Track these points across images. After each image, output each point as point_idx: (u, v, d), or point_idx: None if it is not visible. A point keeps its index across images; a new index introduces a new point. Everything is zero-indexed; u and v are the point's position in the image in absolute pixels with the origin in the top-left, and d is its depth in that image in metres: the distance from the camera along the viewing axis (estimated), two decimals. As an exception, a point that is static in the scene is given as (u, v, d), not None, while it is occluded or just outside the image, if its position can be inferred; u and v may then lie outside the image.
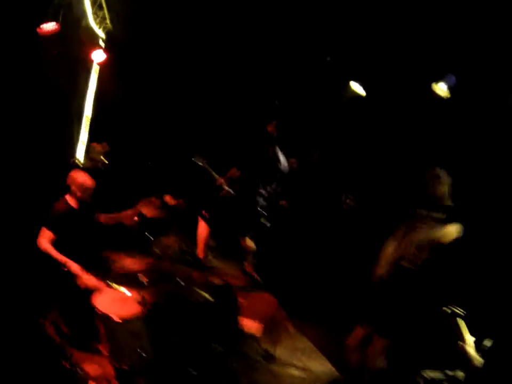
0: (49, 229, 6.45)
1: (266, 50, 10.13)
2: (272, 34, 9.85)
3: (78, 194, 6.64)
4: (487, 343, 5.00)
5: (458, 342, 5.15)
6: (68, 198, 6.70)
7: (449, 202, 5.93)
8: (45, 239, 6.42)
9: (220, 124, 10.12)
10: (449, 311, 5.29)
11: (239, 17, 9.57)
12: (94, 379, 5.93)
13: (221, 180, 8.50)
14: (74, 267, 6.34)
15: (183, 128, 10.49)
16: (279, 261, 8.91)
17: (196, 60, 10.11)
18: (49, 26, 6.82)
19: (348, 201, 9.09)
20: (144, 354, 5.63)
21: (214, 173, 8.54)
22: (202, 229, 8.51)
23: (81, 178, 6.70)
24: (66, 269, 6.34)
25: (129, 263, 6.90)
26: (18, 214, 7.49)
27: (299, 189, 9.77)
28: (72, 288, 6.38)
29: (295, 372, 6.67)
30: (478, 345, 5.09)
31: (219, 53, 10.10)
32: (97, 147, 9.36)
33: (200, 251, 8.61)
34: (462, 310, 5.26)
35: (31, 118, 7.85)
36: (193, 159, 8.43)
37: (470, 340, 5.11)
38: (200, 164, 8.44)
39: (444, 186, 5.96)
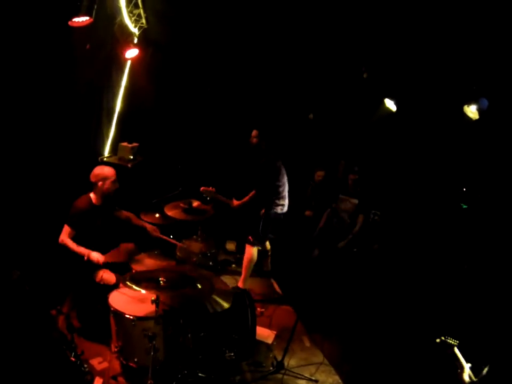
0: (69, 224, 6.60)
1: (304, 64, 10.15)
2: (310, 48, 9.86)
3: (104, 187, 6.74)
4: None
5: (458, 370, 5.16)
6: (92, 195, 6.82)
7: None
8: (65, 234, 6.58)
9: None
10: (447, 341, 5.31)
11: (278, 26, 9.59)
12: (99, 373, 6.03)
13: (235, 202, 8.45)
14: (94, 255, 6.48)
15: (213, 131, 10.53)
16: (302, 274, 8.89)
17: (230, 62, 10.15)
18: (81, 20, 6.86)
19: (375, 217, 9.06)
20: (155, 355, 5.66)
21: (224, 199, 8.51)
22: (249, 255, 8.40)
23: (105, 170, 6.82)
24: (86, 259, 6.46)
25: (151, 264, 6.97)
26: (44, 209, 7.59)
27: (323, 201, 9.77)
28: (88, 283, 6.50)
29: (304, 383, 6.65)
30: (477, 372, 5.11)
31: (255, 58, 10.11)
32: (127, 146, 9.51)
33: (242, 280, 8.49)
34: (455, 340, 5.27)
35: (61, 113, 7.92)
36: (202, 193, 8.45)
37: (466, 367, 5.13)
38: (208, 197, 8.46)
39: None
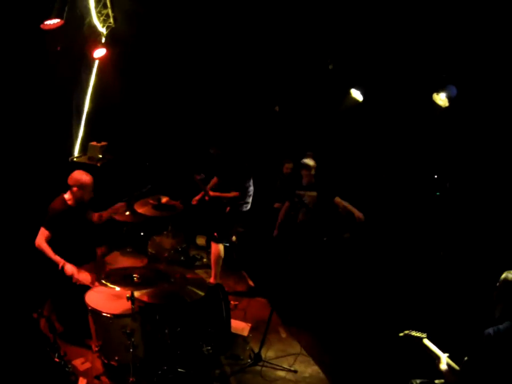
0: (46, 227, 6.51)
1: (268, 57, 10.16)
2: (274, 40, 9.88)
3: (79, 193, 6.68)
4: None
5: (435, 361, 5.17)
6: (67, 196, 6.73)
7: None
8: (41, 238, 6.48)
9: (217, 126, 10.11)
10: (411, 335, 5.32)
11: (241, 20, 9.60)
12: (82, 374, 6.00)
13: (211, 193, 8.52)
14: (68, 268, 6.39)
15: (182, 128, 10.51)
16: (275, 266, 8.90)
17: (196, 60, 10.13)
18: (53, 22, 6.81)
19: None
20: (134, 352, 5.65)
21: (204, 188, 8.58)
22: (216, 251, 8.44)
23: (84, 177, 6.73)
24: (60, 267, 6.37)
25: (124, 261, 6.95)
26: (15, 211, 7.50)
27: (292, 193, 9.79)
28: (65, 284, 6.42)
29: (283, 374, 6.67)
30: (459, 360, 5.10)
31: (219, 55, 10.12)
32: (96, 145, 9.43)
33: (213, 276, 8.54)
34: (421, 333, 5.28)
35: (32, 114, 7.85)
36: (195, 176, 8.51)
37: (443, 357, 5.11)
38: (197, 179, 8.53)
39: None
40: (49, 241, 6.51)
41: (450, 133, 8.19)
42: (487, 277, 5.57)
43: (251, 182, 8.46)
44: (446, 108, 7.85)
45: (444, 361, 5.05)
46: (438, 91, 7.83)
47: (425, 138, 8.62)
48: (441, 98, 7.85)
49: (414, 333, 5.24)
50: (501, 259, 6.68)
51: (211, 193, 8.52)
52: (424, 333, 5.22)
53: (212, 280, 8.45)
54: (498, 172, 7.74)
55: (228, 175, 8.54)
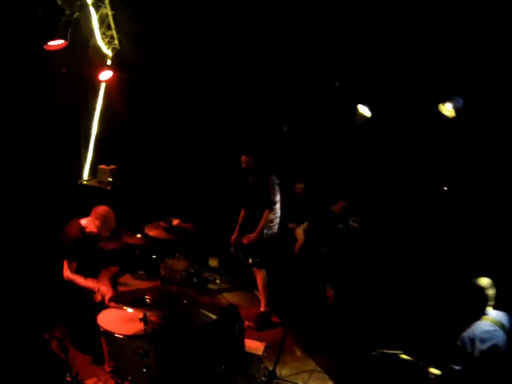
0: (68, 258, 6.59)
1: (275, 76, 10.22)
2: (280, 60, 9.94)
3: (97, 228, 6.77)
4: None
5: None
6: (84, 223, 6.81)
7: None
8: (67, 269, 6.58)
9: (226, 147, 10.15)
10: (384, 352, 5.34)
11: (248, 41, 9.67)
12: (95, 394, 6.02)
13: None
14: (104, 289, 6.48)
15: (191, 150, 10.57)
16: (289, 286, 8.91)
17: (203, 82, 10.20)
18: (57, 43, 6.91)
19: (355, 224, 9.07)
20: (148, 372, 5.66)
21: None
22: (262, 277, 8.42)
23: (110, 217, 6.87)
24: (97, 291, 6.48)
25: (136, 284, 6.98)
26: (28, 234, 7.56)
27: (305, 212, 9.79)
28: (78, 305, 6.47)
29: (297, 391, 6.68)
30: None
31: (226, 76, 10.18)
32: (106, 169, 9.50)
33: (264, 303, 8.49)
34: (395, 350, 5.30)
35: (39, 137, 7.93)
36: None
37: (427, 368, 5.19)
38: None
39: None
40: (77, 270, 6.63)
41: (458, 143, 8.19)
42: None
43: (279, 199, 8.50)
44: (453, 118, 7.88)
45: (430, 370, 5.17)
46: (444, 102, 7.86)
47: (433, 150, 8.61)
48: (447, 109, 7.87)
49: (388, 351, 5.40)
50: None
51: (253, 235, 8.39)
52: (400, 350, 5.31)
53: (262, 308, 8.45)
54: (505, 181, 7.74)
55: (256, 195, 8.48)
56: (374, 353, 5.40)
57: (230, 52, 9.88)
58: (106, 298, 6.36)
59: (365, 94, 9.27)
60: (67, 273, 6.56)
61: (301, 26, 9.26)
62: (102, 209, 6.86)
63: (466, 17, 7.44)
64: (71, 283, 6.55)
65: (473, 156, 8.04)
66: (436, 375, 5.16)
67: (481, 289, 5.19)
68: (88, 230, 6.78)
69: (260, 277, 8.39)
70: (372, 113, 9.19)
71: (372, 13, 8.49)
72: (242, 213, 8.88)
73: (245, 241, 8.35)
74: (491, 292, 5.19)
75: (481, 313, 5.16)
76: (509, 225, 7.46)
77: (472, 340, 5.05)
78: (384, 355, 5.34)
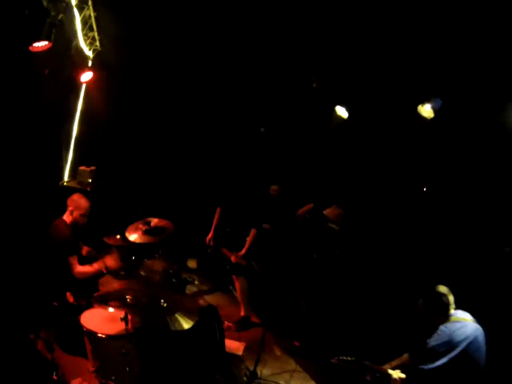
0: (70, 255, 6.66)
1: (251, 78, 10.25)
2: (256, 61, 9.97)
3: (75, 214, 6.83)
4: None
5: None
6: (65, 217, 6.87)
7: None
8: (75, 265, 6.66)
9: (206, 148, 10.20)
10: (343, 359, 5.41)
11: (226, 42, 9.70)
12: (80, 394, 6.01)
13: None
14: (111, 262, 6.78)
15: (171, 151, 10.58)
16: (267, 287, 8.93)
17: (182, 82, 10.22)
18: (41, 45, 6.90)
19: (332, 225, 9.08)
20: (131, 371, 5.67)
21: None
22: (242, 283, 8.45)
23: (86, 202, 6.94)
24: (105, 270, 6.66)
25: (116, 285, 6.99)
26: (9, 235, 7.54)
27: (282, 214, 9.83)
28: (62, 306, 6.47)
29: (279, 390, 6.72)
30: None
31: (204, 76, 10.21)
32: (86, 170, 9.49)
33: (243, 308, 8.51)
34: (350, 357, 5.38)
35: (20, 137, 7.91)
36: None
37: (392, 372, 5.30)
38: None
39: None
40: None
41: (436, 144, 8.28)
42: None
43: None
44: (432, 119, 7.97)
45: (395, 374, 5.29)
46: (423, 103, 7.95)
47: (412, 150, 8.70)
48: (426, 110, 7.96)
49: (345, 358, 5.42)
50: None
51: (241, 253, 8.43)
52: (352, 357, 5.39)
53: (242, 313, 8.46)
54: (484, 181, 7.85)
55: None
56: (333, 361, 5.47)
57: (209, 53, 9.89)
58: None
59: (343, 95, 9.32)
60: (76, 268, 6.64)
61: (278, 27, 9.29)
62: (73, 196, 6.98)
63: (443, 18, 7.53)
64: (84, 275, 6.67)
65: (452, 157, 8.14)
66: (401, 379, 5.25)
67: (443, 295, 5.30)
68: (68, 221, 6.84)
69: (239, 283, 8.42)
70: (349, 115, 9.25)
71: (350, 14, 8.54)
72: (217, 212, 8.93)
73: (233, 259, 8.35)
74: (451, 298, 5.31)
75: (446, 317, 5.26)
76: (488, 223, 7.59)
77: (448, 342, 5.12)
78: (344, 361, 5.40)
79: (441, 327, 5.19)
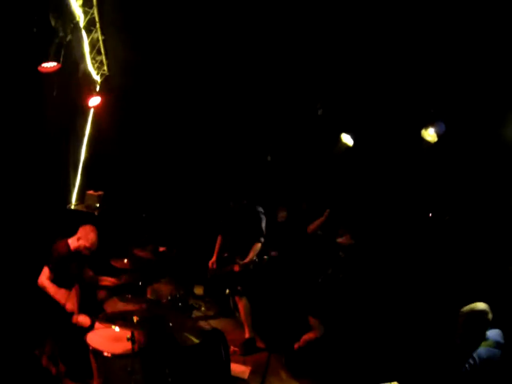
0: (49, 268, 6.69)
1: (258, 105, 10.38)
2: (262, 88, 10.10)
3: (81, 244, 6.94)
4: None
5: None
6: (70, 241, 6.96)
7: None
8: (44, 276, 6.65)
9: (213, 175, 10.30)
10: None
11: (231, 70, 9.86)
12: (85, 412, 6.01)
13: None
14: (70, 306, 6.51)
15: (179, 177, 10.68)
16: (271, 310, 8.94)
17: (189, 108, 10.35)
18: (51, 65, 7.00)
19: (340, 253, 9.07)
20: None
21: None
22: (245, 304, 8.49)
23: (95, 238, 7.04)
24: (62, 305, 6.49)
25: (123, 306, 7.01)
26: (17, 256, 7.60)
27: (289, 240, 9.87)
28: (66, 324, 6.50)
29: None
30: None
31: (211, 105, 10.34)
32: (93, 194, 9.60)
33: (248, 330, 8.52)
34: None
35: (28, 161, 7.98)
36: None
37: None
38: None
39: None
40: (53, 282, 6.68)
41: (440, 168, 8.35)
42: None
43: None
44: (435, 143, 8.05)
45: None
46: (426, 127, 8.04)
47: (416, 175, 8.76)
48: (429, 134, 8.04)
49: None
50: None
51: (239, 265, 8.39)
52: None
53: (246, 335, 8.48)
54: (487, 204, 7.90)
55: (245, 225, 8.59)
56: None
57: (215, 81, 10.03)
58: (73, 318, 6.51)
59: (347, 122, 9.43)
60: (42, 279, 6.65)
61: (283, 55, 9.43)
62: (86, 226, 7.08)
63: (446, 43, 7.65)
64: (42, 290, 6.63)
65: (456, 180, 8.20)
66: None
67: (483, 314, 5.16)
68: (72, 246, 6.93)
69: (241, 304, 8.46)
70: (354, 141, 9.34)
71: (353, 42, 8.68)
72: (219, 239, 8.95)
73: (236, 268, 8.34)
74: (490, 316, 5.17)
75: (482, 338, 5.14)
76: (492, 244, 7.62)
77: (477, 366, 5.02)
78: None
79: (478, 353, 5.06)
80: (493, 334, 5.18)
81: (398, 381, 5.29)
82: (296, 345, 8.05)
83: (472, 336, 5.17)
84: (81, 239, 6.94)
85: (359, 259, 8.40)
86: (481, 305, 5.19)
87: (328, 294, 8.12)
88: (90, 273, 7.46)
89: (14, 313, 6.70)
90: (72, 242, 6.97)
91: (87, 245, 6.95)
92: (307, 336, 8.05)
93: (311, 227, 9.23)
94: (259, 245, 8.41)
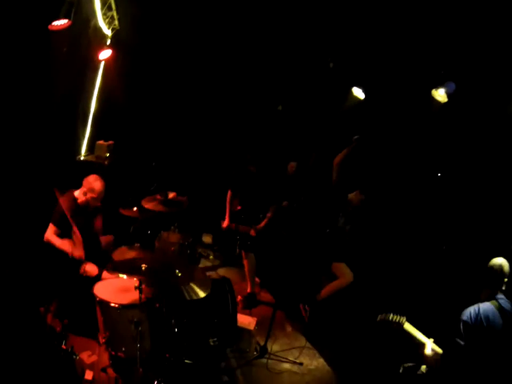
0: (54, 223, 6.72)
1: (269, 57, 10.24)
2: (274, 41, 9.96)
3: (87, 196, 6.91)
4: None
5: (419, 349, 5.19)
6: (77, 194, 6.96)
7: None
8: (50, 232, 6.71)
9: (221, 127, 10.23)
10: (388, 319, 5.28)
11: (243, 20, 9.71)
12: (89, 366, 6.05)
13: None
14: (77, 253, 6.53)
15: (187, 127, 10.61)
16: (280, 263, 8.95)
17: (198, 60, 10.23)
18: (61, 23, 6.93)
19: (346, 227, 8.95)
20: (141, 343, 5.68)
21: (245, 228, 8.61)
22: (250, 260, 8.51)
23: (100, 186, 6.98)
24: (70, 255, 6.53)
25: (131, 255, 7.02)
26: (24, 209, 7.60)
27: (298, 192, 9.84)
28: (73, 276, 6.53)
29: (288, 366, 6.80)
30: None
31: (221, 56, 10.21)
32: (103, 144, 9.58)
33: (250, 285, 8.56)
34: (400, 316, 5.25)
35: (39, 114, 7.94)
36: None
37: (428, 343, 5.11)
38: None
39: None
40: (60, 236, 6.72)
41: (449, 129, 8.27)
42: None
43: None
44: (445, 103, 7.95)
45: (429, 346, 5.09)
46: (436, 87, 7.94)
47: (425, 134, 8.68)
48: (440, 94, 7.95)
49: (392, 317, 5.18)
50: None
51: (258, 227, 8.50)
52: (403, 316, 5.18)
53: (248, 290, 8.53)
54: (497, 168, 7.83)
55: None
56: (378, 319, 5.31)
57: (227, 32, 9.90)
58: (81, 268, 6.56)
59: (358, 77, 9.30)
60: (48, 235, 6.71)
61: (296, 8, 9.28)
62: (89, 177, 7.00)
63: (458, 5, 7.50)
64: (49, 246, 6.69)
65: (465, 141, 8.12)
66: (434, 352, 5.12)
67: (499, 268, 5.05)
68: (79, 200, 6.93)
69: (247, 260, 8.49)
70: (365, 96, 9.24)
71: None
72: (229, 195, 8.86)
73: (252, 233, 8.38)
74: (506, 269, 5.06)
75: (492, 295, 5.04)
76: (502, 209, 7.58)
77: (477, 316, 4.97)
78: (388, 322, 5.24)
79: (480, 304, 5.00)
80: (503, 301, 5.11)
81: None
82: (318, 297, 8.04)
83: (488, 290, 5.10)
84: (88, 192, 6.90)
85: (367, 213, 8.38)
86: (499, 260, 5.10)
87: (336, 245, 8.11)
88: (99, 224, 7.43)
89: (19, 270, 6.72)
90: (79, 196, 6.96)
91: (94, 195, 6.93)
92: (332, 286, 8.01)
93: (338, 159, 9.04)
94: (274, 207, 8.49)
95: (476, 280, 5.20)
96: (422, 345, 5.11)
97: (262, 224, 8.37)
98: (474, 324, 4.91)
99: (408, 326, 5.17)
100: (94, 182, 6.93)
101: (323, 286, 8.15)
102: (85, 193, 6.90)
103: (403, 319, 5.16)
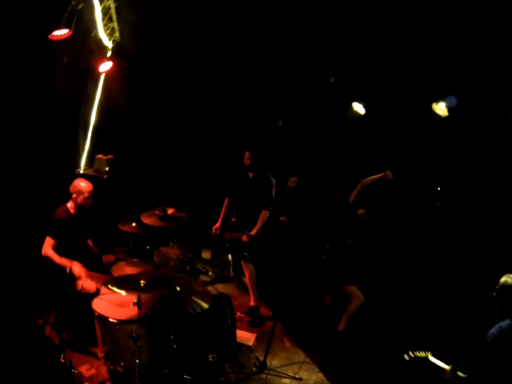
0: (51, 236, 6.69)
1: (270, 72, 10.26)
2: (276, 55, 9.99)
3: (78, 199, 6.87)
4: None
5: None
6: (69, 205, 6.94)
7: None
8: (47, 246, 6.66)
9: (222, 140, 10.23)
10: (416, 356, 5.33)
11: (245, 34, 9.73)
12: (88, 380, 6.04)
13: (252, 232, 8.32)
14: (76, 269, 6.49)
15: (187, 142, 10.61)
16: (279, 278, 8.94)
17: (200, 76, 10.24)
18: (61, 33, 6.94)
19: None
20: (140, 357, 5.68)
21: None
22: (251, 271, 8.38)
23: (83, 184, 6.93)
24: (68, 272, 6.48)
25: (129, 270, 7.02)
26: (23, 222, 7.60)
27: (299, 206, 9.84)
28: (71, 291, 6.51)
29: (288, 382, 6.75)
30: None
31: (222, 71, 10.23)
32: (103, 158, 9.57)
33: (253, 297, 8.44)
34: (425, 352, 5.29)
35: (38, 126, 7.95)
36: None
37: (447, 368, 5.17)
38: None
39: None
40: (56, 250, 6.67)
41: (450, 142, 8.28)
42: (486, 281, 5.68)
43: None
44: (445, 117, 7.97)
45: (451, 371, 5.13)
46: (437, 101, 7.96)
47: (425, 148, 8.69)
48: (440, 108, 7.97)
49: (418, 354, 5.28)
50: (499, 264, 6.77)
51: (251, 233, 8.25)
52: (428, 351, 5.28)
53: (251, 303, 8.43)
54: (497, 179, 7.84)
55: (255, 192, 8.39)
56: (406, 358, 5.35)
57: (228, 46, 9.92)
58: (78, 280, 6.49)
59: (359, 91, 9.31)
60: (45, 249, 6.66)
61: (297, 22, 9.32)
62: (73, 183, 6.97)
63: (460, 18, 7.53)
64: (48, 260, 6.63)
65: (465, 155, 8.13)
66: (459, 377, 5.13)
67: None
68: (72, 210, 6.93)
69: (247, 271, 8.39)
70: (365, 111, 9.25)
71: (368, 12, 8.56)
72: (226, 202, 8.82)
73: (244, 238, 8.25)
74: None
75: (508, 312, 4.97)
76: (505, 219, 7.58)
77: (501, 335, 4.89)
78: (416, 359, 5.30)
79: (497, 327, 4.94)
80: None
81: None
82: (340, 327, 7.83)
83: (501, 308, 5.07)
84: (77, 194, 6.85)
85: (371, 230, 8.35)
86: (509, 278, 5.05)
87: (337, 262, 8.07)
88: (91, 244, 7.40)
89: (18, 283, 6.72)
90: (71, 205, 6.94)
91: (85, 194, 6.87)
92: (348, 312, 7.78)
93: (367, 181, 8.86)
94: (267, 213, 8.25)
95: (481, 295, 5.24)
96: (444, 372, 5.17)
97: (254, 230, 8.25)
98: (501, 343, 4.89)
99: (432, 359, 5.27)
100: (78, 184, 6.90)
101: (327, 305, 8.20)
102: (75, 199, 6.87)
103: (428, 353, 5.24)
